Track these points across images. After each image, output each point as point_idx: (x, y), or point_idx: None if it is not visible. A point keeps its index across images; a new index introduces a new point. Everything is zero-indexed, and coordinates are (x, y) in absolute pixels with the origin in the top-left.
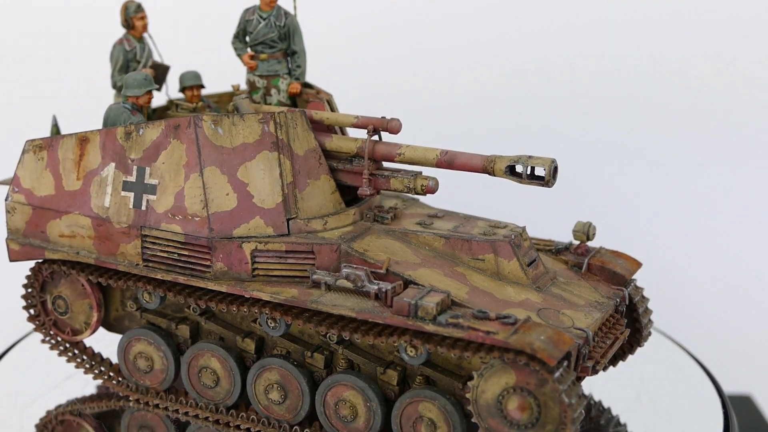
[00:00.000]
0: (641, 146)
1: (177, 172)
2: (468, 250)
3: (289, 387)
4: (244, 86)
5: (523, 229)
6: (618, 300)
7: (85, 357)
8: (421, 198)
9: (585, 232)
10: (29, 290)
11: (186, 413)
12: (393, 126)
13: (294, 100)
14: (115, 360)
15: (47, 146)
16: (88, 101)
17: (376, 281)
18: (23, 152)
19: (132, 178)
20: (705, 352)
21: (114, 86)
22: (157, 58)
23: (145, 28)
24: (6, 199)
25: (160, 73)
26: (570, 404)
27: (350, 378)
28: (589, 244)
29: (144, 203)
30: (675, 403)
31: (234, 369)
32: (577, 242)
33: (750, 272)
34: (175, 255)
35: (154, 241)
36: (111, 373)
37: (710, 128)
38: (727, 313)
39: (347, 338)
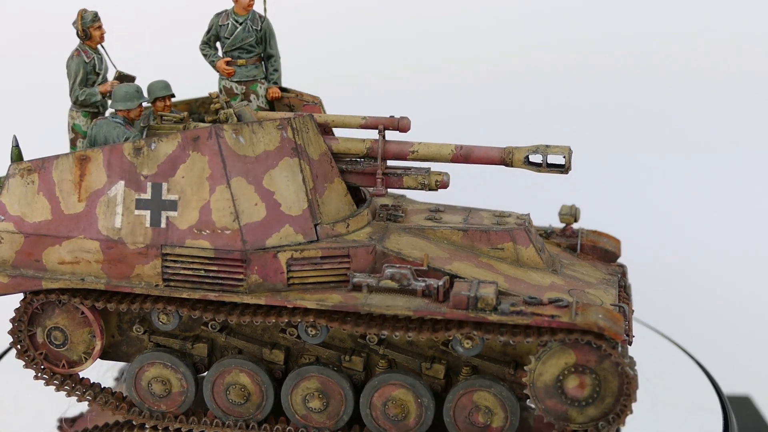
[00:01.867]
0: (640, 139)
1: (200, 186)
2: (487, 241)
3: (331, 393)
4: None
5: (528, 216)
6: (619, 275)
7: (83, 389)
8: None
9: (572, 214)
10: (17, 325)
11: None
12: (404, 124)
13: (272, 105)
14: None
15: (38, 168)
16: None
17: (420, 278)
18: (7, 177)
19: (147, 196)
20: (704, 353)
21: (75, 101)
22: (111, 69)
23: (102, 38)
24: None
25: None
26: (635, 375)
27: (399, 376)
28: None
29: (163, 221)
30: (674, 404)
31: (266, 382)
32: (562, 225)
33: (749, 273)
34: (202, 271)
35: (176, 259)
36: (117, 402)
37: (713, 121)
38: (726, 313)
39: (397, 337)
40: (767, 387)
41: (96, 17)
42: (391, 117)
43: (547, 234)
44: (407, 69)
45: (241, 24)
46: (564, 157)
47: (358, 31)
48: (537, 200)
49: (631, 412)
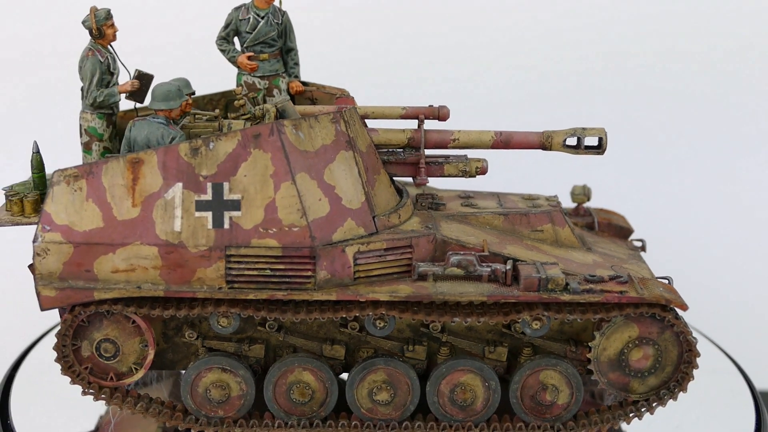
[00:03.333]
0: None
1: (264, 183)
2: (527, 223)
3: (398, 384)
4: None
5: (557, 197)
6: (639, 250)
7: (134, 401)
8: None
9: (585, 194)
10: (62, 339)
11: None
12: (444, 113)
13: (293, 100)
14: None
15: (85, 174)
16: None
17: (485, 264)
18: (51, 185)
19: (207, 197)
20: (735, 347)
21: (93, 103)
22: (121, 68)
23: (114, 36)
24: (34, 241)
25: (144, 83)
26: (696, 341)
27: (468, 362)
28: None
29: (226, 221)
30: (706, 398)
31: (330, 378)
32: (574, 205)
33: None
34: (268, 271)
35: (240, 260)
36: (170, 411)
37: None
38: (757, 306)
39: (467, 323)
40: None
41: (109, 14)
42: (431, 106)
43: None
44: (412, 58)
45: (262, 18)
46: (602, 138)
47: (362, 19)
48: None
49: (693, 378)
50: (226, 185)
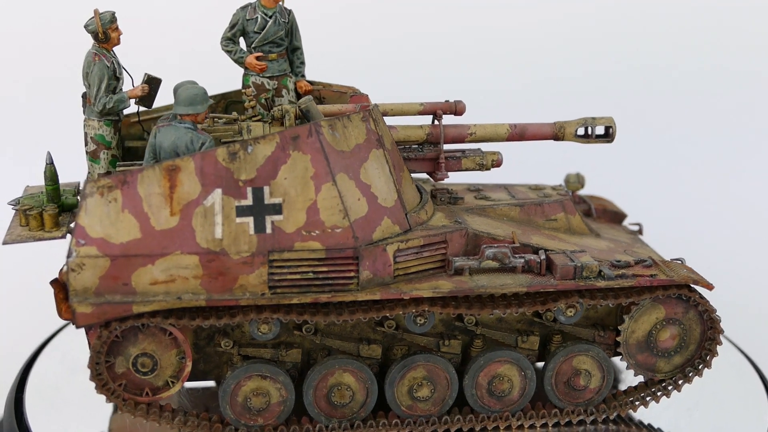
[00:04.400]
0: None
1: (305, 186)
2: (542, 213)
3: (437, 379)
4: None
5: (562, 186)
6: (637, 234)
7: (171, 415)
8: None
9: (579, 181)
10: (96, 356)
11: None
12: (461, 108)
13: (298, 97)
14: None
15: (119, 184)
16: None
17: (518, 255)
18: (84, 197)
19: (248, 202)
20: (750, 344)
21: (102, 110)
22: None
23: (119, 39)
24: (69, 256)
25: (153, 87)
26: (719, 318)
27: (505, 353)
28: None
29: (269, 226)
30: (720, 396)
31: (370, 378)
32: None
33: None
34: (310, 274)
35: (283, 264)
36: (210, 423)
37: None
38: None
39: (505, 315)
40: None
41: (114, 17)
42: (447, 101)
43: None
44: (413, 54)
45: (270, 17)
46: (609, 127)
47: (361, 17)
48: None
49: (717, 354)
50: (266, 189)
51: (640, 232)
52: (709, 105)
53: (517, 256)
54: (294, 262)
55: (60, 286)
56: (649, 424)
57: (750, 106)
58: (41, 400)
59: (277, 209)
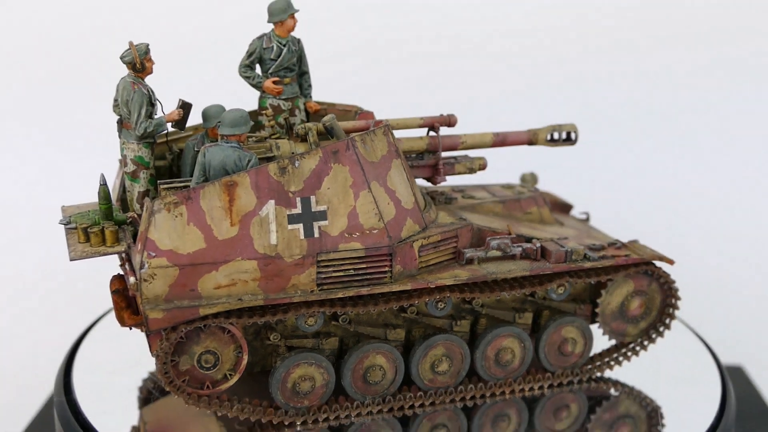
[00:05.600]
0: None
1: (345, 194)
2: (519, 208)
3: (454, 355)
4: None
5: (522, 184)
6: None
7: (230, 404)
8: None
9: (534, 179)
10: (164, 356)
11: (358, 414)
12: (453, 120)
13: (308, 117)
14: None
15: (184, 200)
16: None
17: (516, 244)
18: (151, 214)
19: (297, 210)
20: (700, 325)
21: (143, 133)
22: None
23: (152, 69)
24: (141, 268)
25: (186, 111)
26: (677, 288)
27: (507, 329)
28: None
29: (316, 231)
30: (675, 373)
31: (398, 358)
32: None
33: (742, 247)
34: (351, 270)
35: (329, 263)
36: (263, 408)
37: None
38: (719, 286)
39: (509, 296)
40: (759, 358)
41: (148, 49)
42: (442, 115)
43: None
44: (390, 72)
45: (284, 45)
46: (574, 133)
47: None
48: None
49: (676, 318)
50: (313, 198)
51: (588, 219)
52: (636, 103)
53: (515, 245)
54: (338, 261)
55: (122, 296)
56: (617, 380)
57: (676, 100)
58: (88, 380)
59: (322, 216)
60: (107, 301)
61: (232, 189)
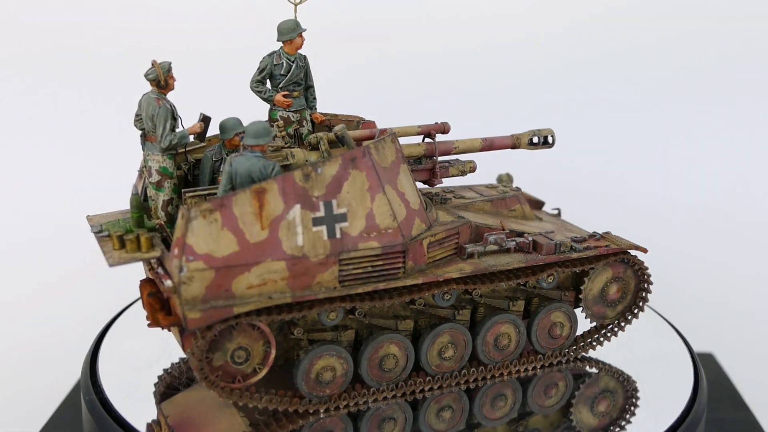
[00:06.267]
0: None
1: (363, 197)
2: (505, 206)
3: (458, 342)
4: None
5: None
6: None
7: (260, 395)
8: None
9: (510, 179)
10: (200, 354)
11: (375, 400)
12: (447, 127)
13: (314, 127)
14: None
15: (218, 207)
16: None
17: (510, 239)
18: (188, 221)
19: (321, 213)
20: (672, 314)
21: (168, 146)
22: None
23: (173, 85)
24: (180, 271)
25: (206, 124)
26: (650, 273)
27: (504, 316)
28: None
29: (338, 232)
30: (648, 360)
31: (409, 347)
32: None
33: (712, 242)
34: (369, 267)
35: (350, 262)
36: (289, 398)
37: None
38: (691, 278)
39: (518, 287)
40: (728, 345)
41: (170, 67)
42: (436, 123)
43: None
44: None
45: (293, 62)
46: (551, 137)
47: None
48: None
49: (648, 300)
50: (334, 202)
51: (559, 214)
52: (592, 99)
53: (509, 240)
54: (358, 259)
55: (156, 298)
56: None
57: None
58: (113, 366)
59: (343, 217)
60: (124, 299)
61: (261, 195)
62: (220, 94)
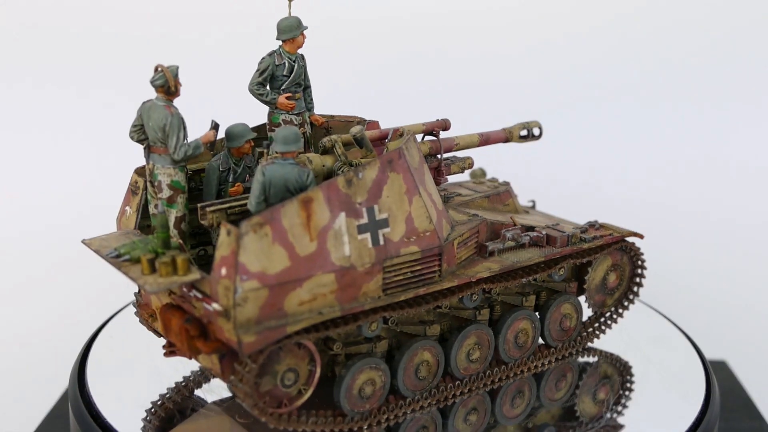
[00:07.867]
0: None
1: (401, 200)
2: (500, 201)
3: (483, 342)
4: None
5: (496, 179)
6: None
7: (306, 418)
8: None
9: (483, 173)
10: (249, 379)
11: (412, 410)
12: (448, 124)
13: (313, 129)
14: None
15: (268, 220)
16: None
17: (524, 234)
18: (238, 237)
19: (364, 220)
20: (684, 321)
21: (183, 157)
22: None
23: (180, 91)
24: (235, 293)
25: (217, 132)
26: (645, 258)
27: (521, 312)
28: None
29: (381, 238)
30: (660, 367)
31: (440, 353)
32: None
33: (725, 243)
34: (408, 273)
35: (392, 268)
36: (332, 418)
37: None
38: (702, 283)
39: (529, 282)
40: (742, 352)
41: (177, 70)
42: (438, 120)
43: None
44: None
45: (294, 61)
46: (539, 129)
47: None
48: None
49: (643, 285)
50: (376, 207)
51: (534, 206)
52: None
53: (524, 235)
54: (399, 265)
55: (195, 325)
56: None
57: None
58: (101, 375)
59: (385, 223)
60: (112, 307)
61: (308, 205)
62: (207, 96)
